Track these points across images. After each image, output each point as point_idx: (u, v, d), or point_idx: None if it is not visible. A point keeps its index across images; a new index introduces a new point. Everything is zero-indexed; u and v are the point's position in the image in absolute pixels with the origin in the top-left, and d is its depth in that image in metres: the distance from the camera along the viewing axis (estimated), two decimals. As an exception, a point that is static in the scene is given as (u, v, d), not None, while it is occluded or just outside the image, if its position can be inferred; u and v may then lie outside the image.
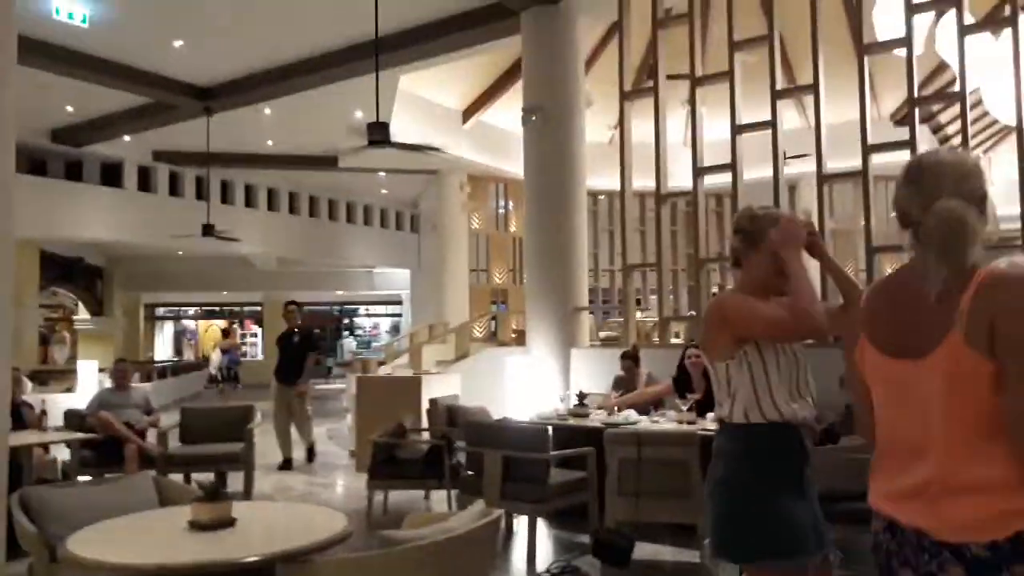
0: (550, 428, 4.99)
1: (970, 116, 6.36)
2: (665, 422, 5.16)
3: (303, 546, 2.66)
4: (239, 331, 24.74)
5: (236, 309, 24.62)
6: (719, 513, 2.33)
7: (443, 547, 2.63)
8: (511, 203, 14.81)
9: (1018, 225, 6.07)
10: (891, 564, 1.58)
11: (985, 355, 1.43)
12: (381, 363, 10.64)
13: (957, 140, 12.53)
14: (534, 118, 8.16)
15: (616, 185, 7.91)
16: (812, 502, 2.28)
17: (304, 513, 3.56)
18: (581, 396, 5.97)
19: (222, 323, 25.10)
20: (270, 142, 14.05)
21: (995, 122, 10.34)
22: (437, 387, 7.57)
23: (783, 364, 2.32)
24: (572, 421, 5.54)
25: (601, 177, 10.16)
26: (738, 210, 3.99)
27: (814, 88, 6.62)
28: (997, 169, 13.60)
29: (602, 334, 10.87)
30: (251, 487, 6.36)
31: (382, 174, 15.38)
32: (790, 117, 9.01)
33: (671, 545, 4.65)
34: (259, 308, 22.50)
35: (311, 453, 8.39)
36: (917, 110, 6.55)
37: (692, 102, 7.36)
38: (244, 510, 3.04)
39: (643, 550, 4.48)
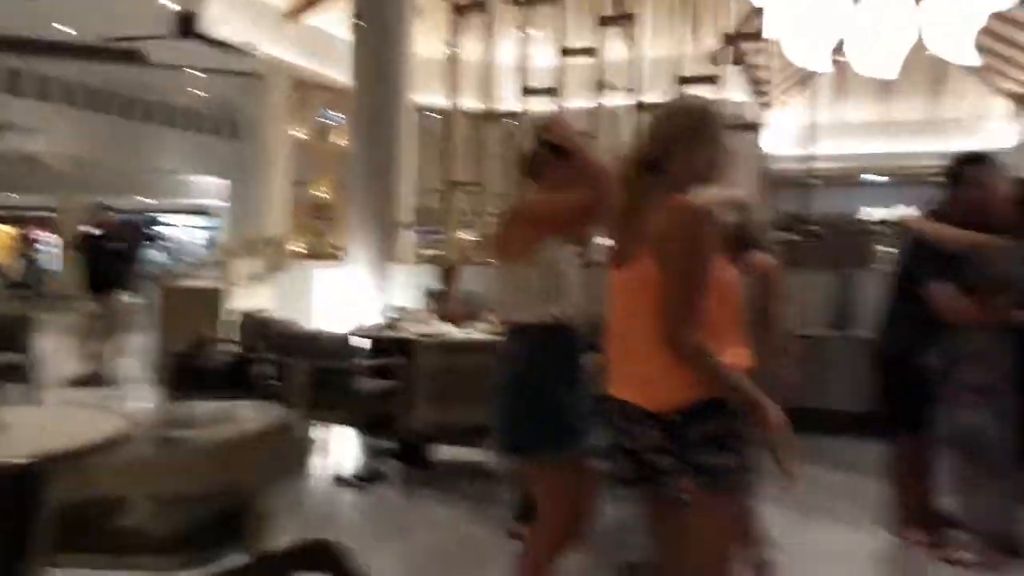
0: (362, 338, 4.95)
1: (781, 61, 6.80)
2: (476, 333, 5.27)
3: (75, 447, 2.48)
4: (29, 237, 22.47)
5: (26, 214, 22.22)
6: (507, 412, 2.43)
7: (229, 446, 2.56)
8: (338, 114, 14.25)
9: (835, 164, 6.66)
10: (619, 438, 1.96)
11: (659, 266, 1.83)
12: (189, 276, 10.07)
13: (775, 78, 13.43)
14: (362, 24, 7.82)
15: (455, 102, 7.81)
16: (586, 395, 2.42)
17: (79, 416, 3.31)
18: (396, 309, 5.97)
19: (8, 228, 22.63)
20: (66, 28, 12.58)
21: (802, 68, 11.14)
22: (248, 300, 7.29)
23: (571, 266, 2.42)
24: (387, 333, 5.53)
25: (437, 95, 9.98)
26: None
27: (634, 19, 6.81)
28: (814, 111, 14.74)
29: (426, 252, 10.86)
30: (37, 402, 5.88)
31: (198, 74, 14.25)
32: (621, 48, 9.19)
33: (474, 447, 4.83)
34: (53, 214, 20.45)
35: (102, 375, 7.43)
36: (730, 49, 6.93)
37: (522, 23, 7.35)
38: (11, 415, 2.79)
39: (447, 452, 4.65)
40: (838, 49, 9.24)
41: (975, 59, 7.31)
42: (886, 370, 3.77)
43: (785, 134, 11.39)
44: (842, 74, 13.94)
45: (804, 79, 11.69)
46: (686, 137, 1.92)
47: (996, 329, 3.37)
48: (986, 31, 11.83)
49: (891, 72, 7.12)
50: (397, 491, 4.36)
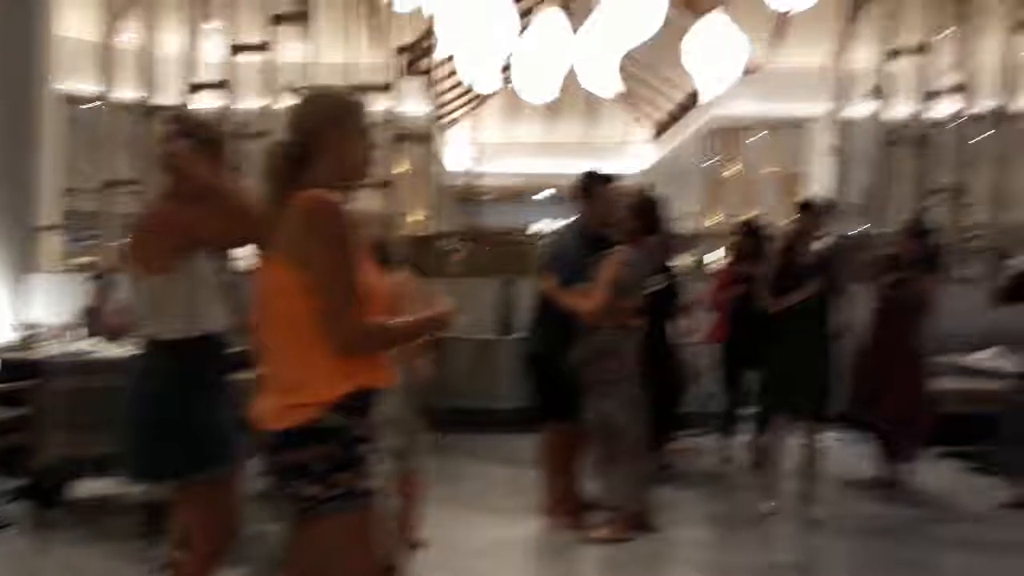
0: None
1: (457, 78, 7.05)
2: (128, 349, 4.77)
3: None
4: None
5: None
6: (145, 435, 2.25)
7: None
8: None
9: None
10: (260, 452, 1.81)
11: (298, 269, 1.67)
12: None
13: (450, 96, 14.00)
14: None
15: (113, 94, 7.03)
16: (232, 412, 2.32)
17: None
18: (31, 326, 5.25)
19: None
20: None
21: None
22: None
23: (211, 277, 2.31)
24: (13, 353, 4.79)
25: (91, 84, 8.88)
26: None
27: (304, 19, 6.71)
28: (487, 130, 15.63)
29: (78, 260, 9.65)
30: None
31: None
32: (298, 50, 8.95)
33: (119, 479, 4.38)
34: None
35: None
36: (405, 61, 7.09)
37: (191, 14, 6.89)
38: None
39: (87, 486, 4.18)
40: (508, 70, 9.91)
41: (619, 88, 8.27)
42: (534, 367, 4.10)
43: (464, 151, 11.97)
44: (514, 96, 15.08)
45: (479, 98, 12.41)
46: (332, 125, 1.78)
47: (623, 327, 3.82)
48: (630, 62, 13.57)
49: (549, 95, 7.78)
50: (25, 536, 3.79)
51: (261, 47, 6.73)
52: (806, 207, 4.48)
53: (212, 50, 7.08)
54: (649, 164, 17.08)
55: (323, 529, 1.71)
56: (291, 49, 6.88)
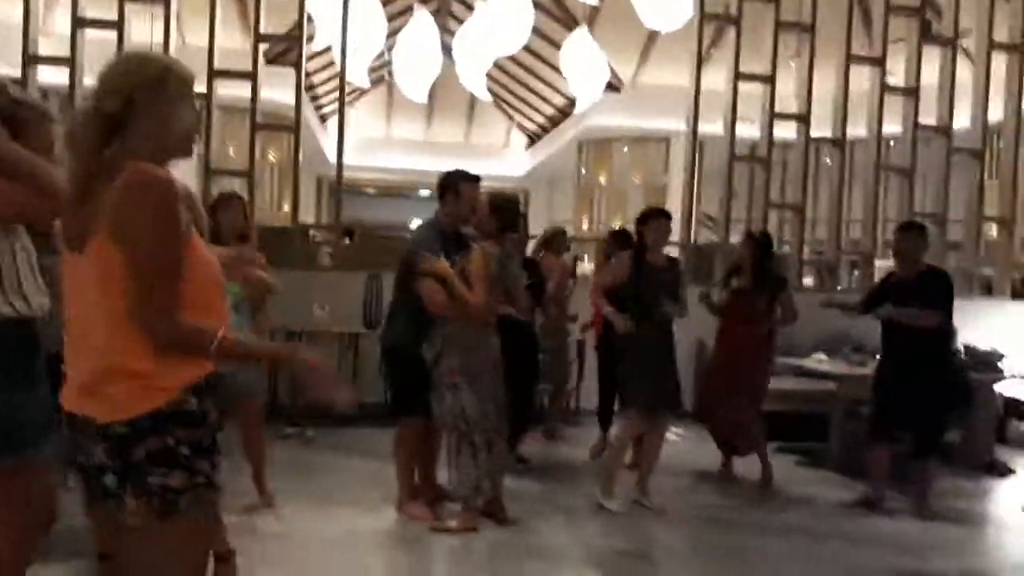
0: None
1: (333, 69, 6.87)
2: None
3: None
4: None
5: None
6: None
7: None
8: None
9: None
10: (72, 455, 1.66)
11: (123, 247, 1.54)
12: None
13: (324, 88, 13.71)
14: None
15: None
16: (42, 396, 2.20)
17: None
18: None
19: None
20: None
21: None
22: None
23: (18, 254, 2.19)
24: None
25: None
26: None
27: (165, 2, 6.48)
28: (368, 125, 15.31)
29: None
30: None
31: None
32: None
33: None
34: None
35: None
36: (268, 49, 6.99)
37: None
38: None
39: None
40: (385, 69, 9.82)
41: (486, 95, 8.46)
42: (389, 360, 4.12)
43: (342, 144, 11.82)
44: (396, 93, 14.95)
45: (356, 92, 12.24)
46: (151, 89, 1.60)
47: (479, 321, 3.88)
48: (506, 72, 13.76)
49: (423, 95, 7.83)
50: None
51: (111, 24, 6.38)
52: (659, 214, 4.65)
53: (58, 23, 6.68)
54: (525, 170, 17.41)
55: (174, 526, 1.60)
56: (150, 31, 6.58)
